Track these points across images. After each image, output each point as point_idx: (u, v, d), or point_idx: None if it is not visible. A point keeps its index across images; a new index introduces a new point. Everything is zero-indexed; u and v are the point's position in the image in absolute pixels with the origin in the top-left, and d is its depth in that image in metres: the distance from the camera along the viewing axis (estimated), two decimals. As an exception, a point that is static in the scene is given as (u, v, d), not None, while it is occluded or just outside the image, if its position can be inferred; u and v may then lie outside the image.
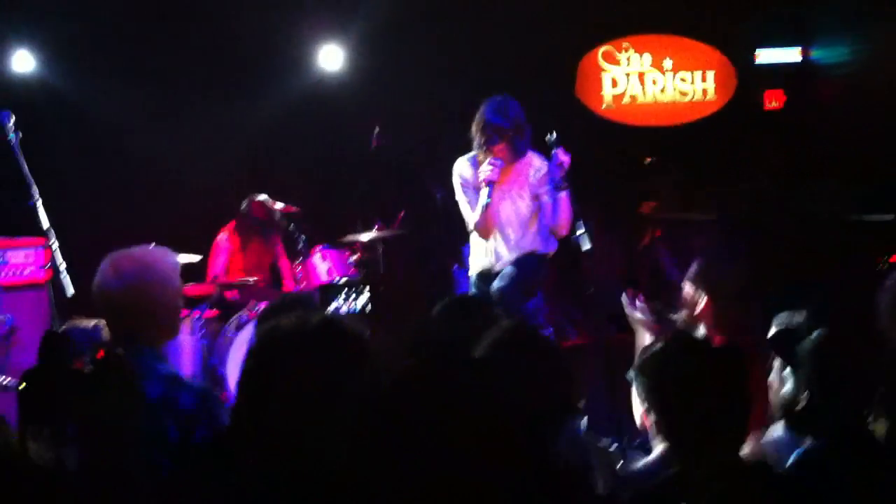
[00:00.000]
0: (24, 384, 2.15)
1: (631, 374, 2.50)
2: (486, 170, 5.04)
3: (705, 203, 8.02)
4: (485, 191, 5.06)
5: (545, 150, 5.21)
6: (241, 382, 2.06)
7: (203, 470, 2.22)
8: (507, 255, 5.20)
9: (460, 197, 5.26)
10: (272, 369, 2.00)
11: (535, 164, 5.23)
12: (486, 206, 5.07)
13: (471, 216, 5.20)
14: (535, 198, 5.22)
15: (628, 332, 3.94)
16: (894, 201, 7.37)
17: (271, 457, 1.94)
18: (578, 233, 4.90)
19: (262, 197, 6.60)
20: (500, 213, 5.18)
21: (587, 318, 6.58)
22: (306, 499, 1.90)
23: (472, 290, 5.36)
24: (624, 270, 7.53)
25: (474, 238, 5.33)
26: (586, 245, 4.88)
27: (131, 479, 2.09)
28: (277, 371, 1.99)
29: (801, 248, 7.26)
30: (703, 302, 3.62)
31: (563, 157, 5.04)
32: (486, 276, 5.24)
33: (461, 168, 5.25)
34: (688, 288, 3.68)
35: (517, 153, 5.16)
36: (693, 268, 3.73)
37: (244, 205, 6.65)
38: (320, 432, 1.92)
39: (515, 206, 5.21)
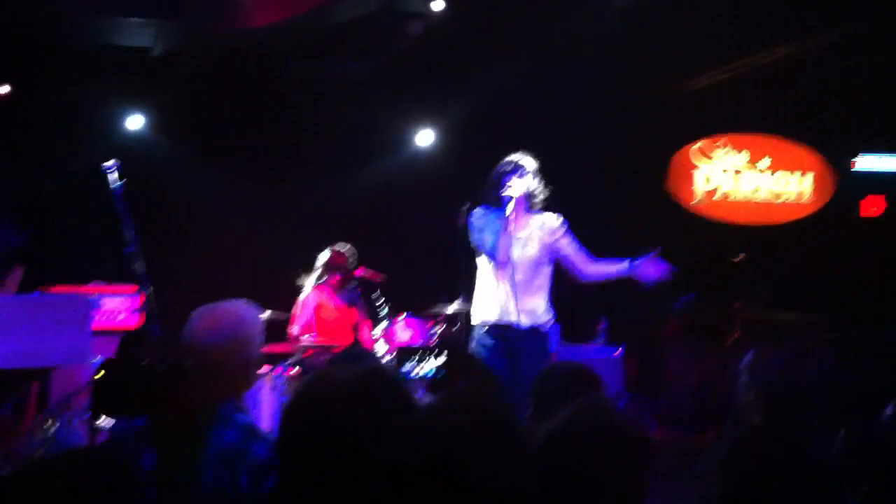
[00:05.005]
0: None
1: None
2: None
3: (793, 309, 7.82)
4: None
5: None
6: (281, 433, 2.09)
7: None
8: (514, 302, 5.02)
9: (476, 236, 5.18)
10: (309, 421, 2.03)
11: (548, 219, 5.17)
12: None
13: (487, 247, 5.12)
14: (545, 249, 5.12)
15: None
16: None
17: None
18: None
19: (342, 247, 6.76)
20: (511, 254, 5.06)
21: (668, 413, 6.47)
22: None
23: (477, 343, 5.14)
24: (707, 370, 7.39)
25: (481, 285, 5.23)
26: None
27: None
28: (314, 422, 2.02)
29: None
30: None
31: (660, 270, 4.90)
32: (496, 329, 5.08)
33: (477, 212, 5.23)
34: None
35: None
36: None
37: (327, 254, 6.80)
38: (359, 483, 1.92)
39: (524, 251, 5.09)
